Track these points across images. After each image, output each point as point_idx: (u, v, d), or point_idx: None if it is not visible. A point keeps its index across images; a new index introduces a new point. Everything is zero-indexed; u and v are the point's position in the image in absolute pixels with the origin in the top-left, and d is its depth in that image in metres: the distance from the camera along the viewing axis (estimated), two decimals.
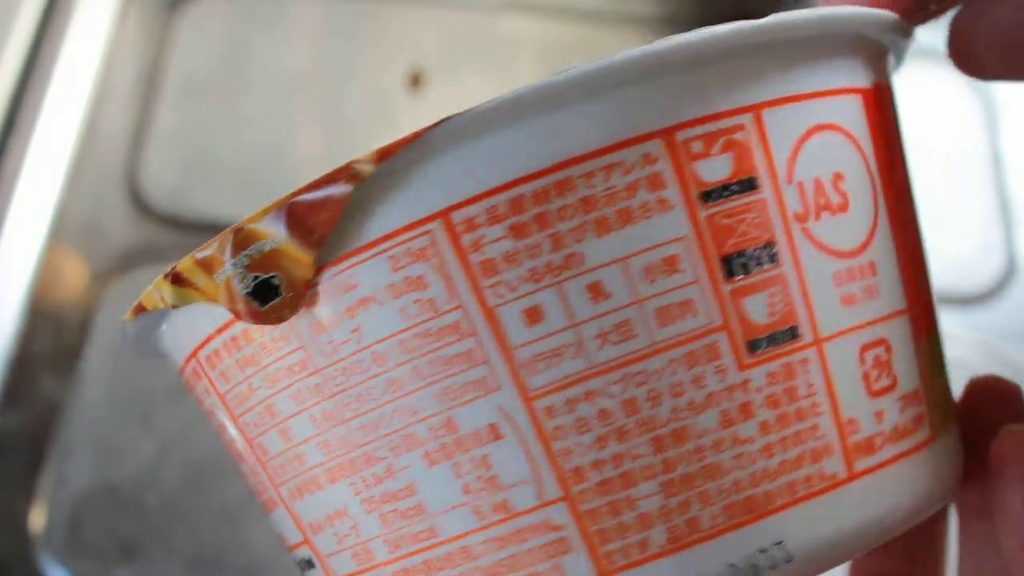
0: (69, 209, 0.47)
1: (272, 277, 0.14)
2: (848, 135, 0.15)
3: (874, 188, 0.16)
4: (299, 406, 0.15)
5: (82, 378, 0.43)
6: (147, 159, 0.48)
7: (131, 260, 0.46)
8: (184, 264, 0.15)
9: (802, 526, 0.15)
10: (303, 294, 0.14)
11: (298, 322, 0.15)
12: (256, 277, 0.14)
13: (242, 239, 0.14)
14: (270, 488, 0.17)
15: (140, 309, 0.16)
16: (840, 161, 0.15)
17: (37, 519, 0.40)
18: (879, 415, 0.15)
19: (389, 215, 0.14)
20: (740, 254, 0.14)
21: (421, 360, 0.14)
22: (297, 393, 0.15)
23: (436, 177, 0.14)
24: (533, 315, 0.14)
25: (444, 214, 0.14)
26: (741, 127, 0.14)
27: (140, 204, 0.47)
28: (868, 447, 0.15)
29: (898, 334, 0.16)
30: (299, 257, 0.14)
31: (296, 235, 0.14)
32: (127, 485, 0.41)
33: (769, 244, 0.14)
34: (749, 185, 0.14)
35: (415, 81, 0.51)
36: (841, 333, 0.15)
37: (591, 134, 0.14)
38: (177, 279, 0.15)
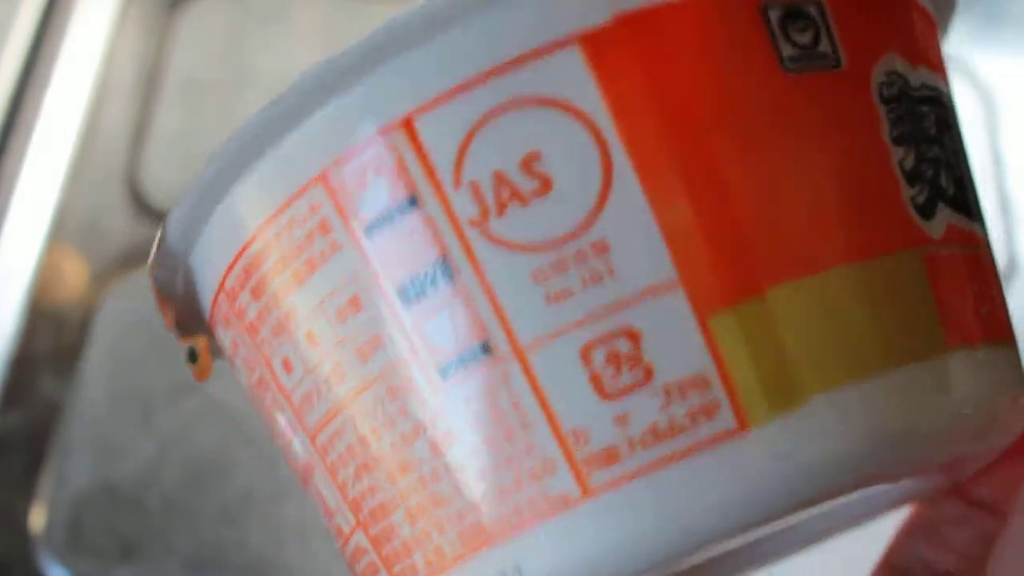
0: (69, 209, 0.47)
1: (192, 347, 0.17)
2: (549, 103, 0.13)
3: (604, 151, 0.13)
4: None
5: (82, 378, 0.43)
6: (147, 159, 0.48)
7: (131, 260, 0.46)
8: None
9: (536, 553, 0.13)
10: (207, 356, 0.17)
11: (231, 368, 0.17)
12: (185, 348, 0.18)
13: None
14: None
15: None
16: (534, 139, 0.13)
17: (37, 519, 0.40)
18: (622, 419, 0.13)
19: (201, 293, 0.17)
20: (413, 278, 0.14)
21: (265, 402, 0.16)
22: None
23: (199, 265, 0.16)
24: (286, 365, 0.15)
25: (220, 289, 0.16)
26: (392, 147, 0.13)
27: (140, 204, 0.47)
28: (608, 458, 0.13)
29: (657, 314, 0.13)
30: (173, 330, 0.17)
31: (164, 316, 0.17)
32: (127, 485, 0.41)
33: (441, 261, 0.13)
34: (409, 204, 0.13)
35: None
36: (549, 336, 0.13)
37: (264, 201, 0.15)
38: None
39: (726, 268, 0.13)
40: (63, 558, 0.39)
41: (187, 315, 0.17)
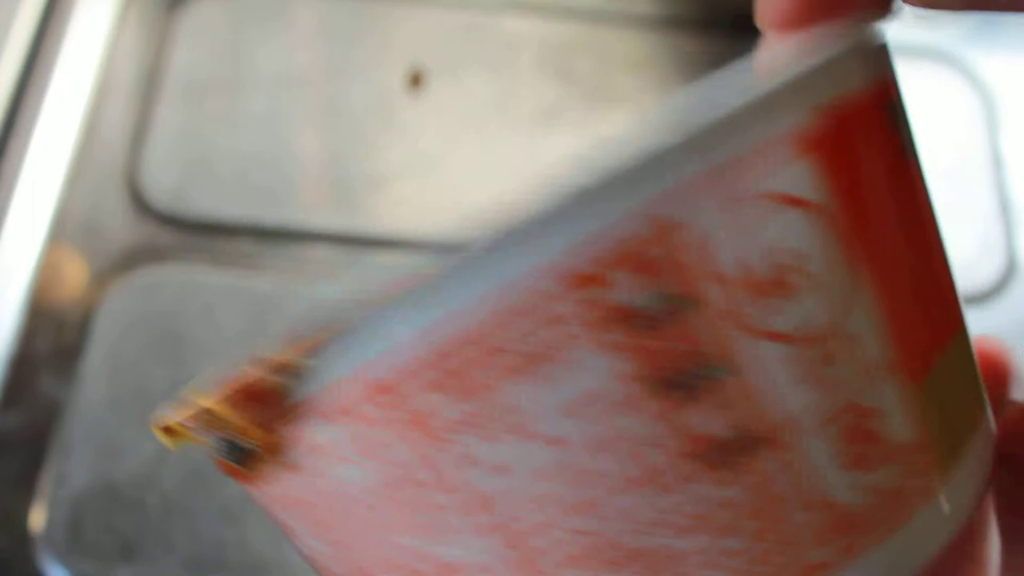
0: (69, 209, 0.47)
1: (241, 442, 0.15)
2: (789, 200, 0.14)
3: (840, 247, 0.14)
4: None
5: (82, 378, 0.43)
6: (147, 159, 0.49)
7: (131, 260, 0.46)
8: (175, 428, 0.15)
9: None
10: (273, 456, 0.15)
11: (281, 471, 0.15)
12: (225, 441, 0.15)
13: (210, 422, 0.15)
14: None
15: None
16: (790, 238, 0.14)
17: (37, 518, 0.40)
18: (872, 488, 0.14)
19: (330, 393, 0.14)
20: (679, 373, 0.13)
21: (391, 499, 0.14)
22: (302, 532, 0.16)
23: (368, 356, 0.14)
24: (496, 469, 0.14)
25: (354, 380, 0.14)
26: (658, 242, 0.13)
27: (140, 204, 0.47)
28: (860, 523, 0.14)
29: (885, 392, 0.14)
30: (256, 433, 0.15)
31: (247, 417, 0.15)
32: (127, 485, 0.41)
33: (709, 354, 0.13)
34: (681, 300, 0.13)
35: (415, 81, 0.51)
36: (811, 420, 0.14)
37: (492, 294, 0.13)
38: (170, 431, 0.16)
39: (919, 345, 0.15)
40: (63, 558, 0.39)
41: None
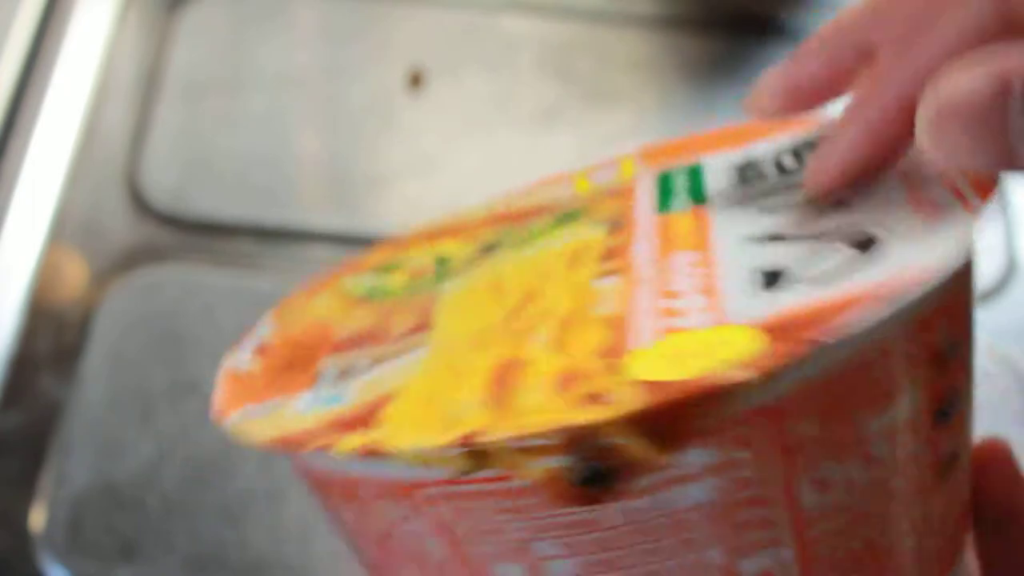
0: (69, 209, 0.47)
1: (603, 465, 0.15)
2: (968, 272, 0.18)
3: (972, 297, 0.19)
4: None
5: (82, 378, 0.43)
6: (147, 159, 0.49)
7: (131, 260, 0.46)
8: (496, 449, 0.15)
9: None
10: (638, 477, 0.15)
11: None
12: (591, 466, 0.15)
13: (580, 440, 0.14)
14: None
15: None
16: (970, 294, 0.18)
17: (37, 518, 0.40)
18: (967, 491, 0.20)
19: (738, 418, 0.15)
20: (944, 405, 0.17)
21: (726, 522, 0.16)
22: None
23: (784, 388, 0.15)
24: (821, 484, 0.16)
25: (771, 412, 0.15)
26: (952, 294, 0.17)
27: (140, 204, 0.47)
28: (970, 517, 0.20)
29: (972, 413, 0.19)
30: (639, 453, 0.15)
31: (640, 438, 0.14)
32: (127, 484, 0.41)
33: (956, 390, 0.17)
34: (956, 346, 0.17)
35: (415, 81, 0.51)
36: (969, 436, 0.19)
37: (883, 334, 0.16)
38: (480, 455, 0.15)
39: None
40: (63, 558, 0.39)
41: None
